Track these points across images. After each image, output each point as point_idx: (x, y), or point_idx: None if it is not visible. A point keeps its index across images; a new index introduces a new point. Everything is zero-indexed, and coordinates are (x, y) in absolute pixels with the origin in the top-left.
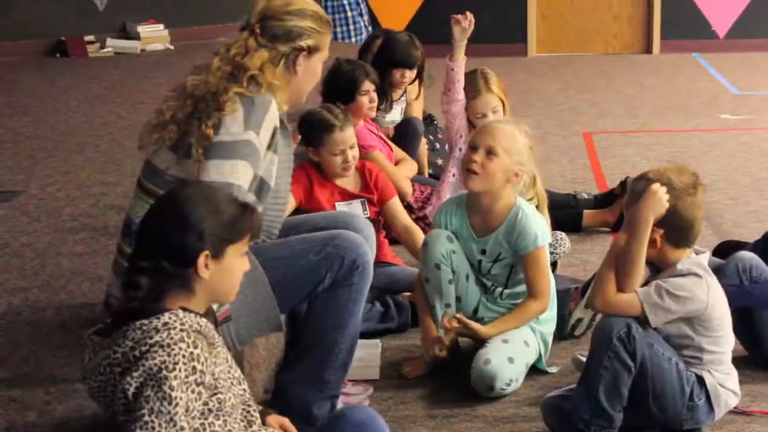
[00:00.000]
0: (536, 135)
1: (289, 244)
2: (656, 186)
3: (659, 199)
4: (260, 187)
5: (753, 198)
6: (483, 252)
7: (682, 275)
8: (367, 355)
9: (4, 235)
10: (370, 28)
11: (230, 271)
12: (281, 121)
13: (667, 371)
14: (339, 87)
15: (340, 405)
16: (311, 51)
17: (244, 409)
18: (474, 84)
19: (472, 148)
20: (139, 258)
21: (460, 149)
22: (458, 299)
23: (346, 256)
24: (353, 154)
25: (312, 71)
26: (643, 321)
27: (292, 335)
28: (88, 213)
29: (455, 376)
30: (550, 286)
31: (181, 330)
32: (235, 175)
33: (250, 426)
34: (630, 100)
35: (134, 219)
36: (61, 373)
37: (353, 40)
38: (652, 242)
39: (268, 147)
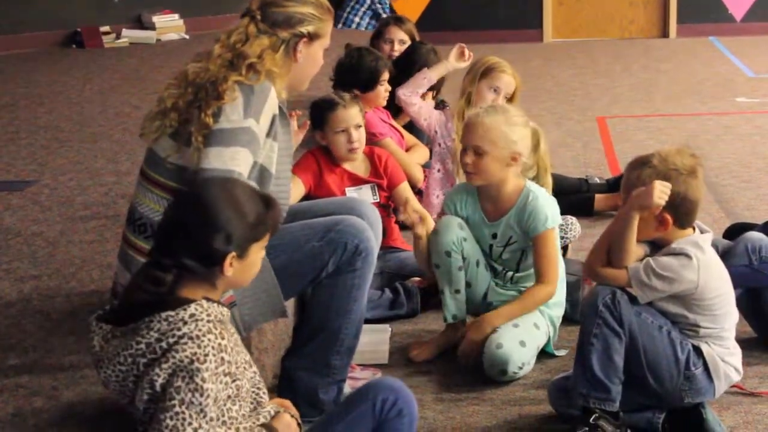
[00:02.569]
0: (551, 120)
1: (291, 230)
2: (657, 183)
3: (649, 196)
4: (261, 174)
5: (766, 181)
6: (494, 236)
7: (674, 254)
8: (376, 339)
9: (16, 224)
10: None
11: (251, 265)
12: (280, 109)
13: (658, 339)
14: (360, 77)
15: (347, 389)
16: (312, 38)
17: (253, 392)
18: (502, 64)
19: (464, 149)
20: (162, 255)
21: (440, 144)
22: (468, 285)
23: (348, 242)
24: (358, 135)
25: (313, 58)
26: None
27: (300, 320)
28: (100, 202)
29: None
30: (558, 271)
31: (208, 321)
32: (235, 162)
33: (260, 406)
34: (645, 85)
35: (138, 207)
36: (69, 359)
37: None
38: (663, 224)
39: (268, 134)
